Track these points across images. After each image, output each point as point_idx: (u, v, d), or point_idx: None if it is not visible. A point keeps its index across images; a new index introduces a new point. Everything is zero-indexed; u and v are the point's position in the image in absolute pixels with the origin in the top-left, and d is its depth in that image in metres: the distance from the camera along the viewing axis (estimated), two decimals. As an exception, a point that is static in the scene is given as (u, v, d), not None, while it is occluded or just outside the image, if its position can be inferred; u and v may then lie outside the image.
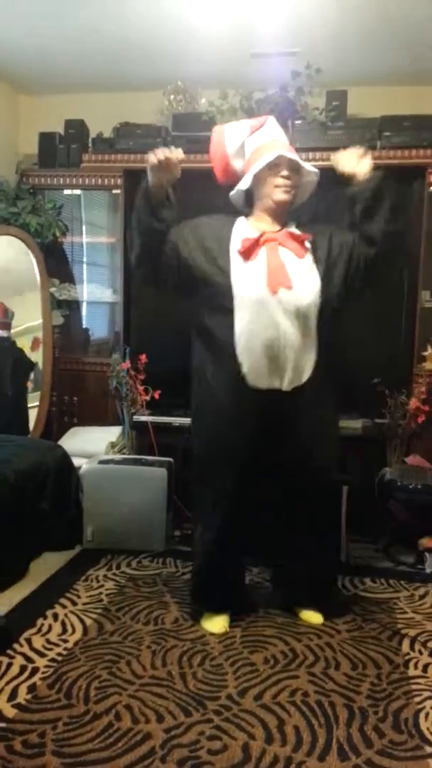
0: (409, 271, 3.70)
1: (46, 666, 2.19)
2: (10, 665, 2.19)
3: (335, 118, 3.72)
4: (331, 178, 2.38)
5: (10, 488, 2.89)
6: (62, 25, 3.38)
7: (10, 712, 1.93)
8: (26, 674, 2.14)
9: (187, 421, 3.54)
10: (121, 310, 4.04)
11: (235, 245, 2.32)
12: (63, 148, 4.05)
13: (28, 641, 2.35)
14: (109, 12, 3.22)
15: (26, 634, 2.40)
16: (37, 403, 3.94)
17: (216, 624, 2.48)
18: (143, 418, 3.66)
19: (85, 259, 4.24)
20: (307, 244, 2.36)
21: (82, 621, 2.52)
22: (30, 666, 2.19)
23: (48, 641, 2.36)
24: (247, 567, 2.93)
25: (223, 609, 2.53)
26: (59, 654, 2.28)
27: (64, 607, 2.64)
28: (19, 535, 2.92)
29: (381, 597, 2.83)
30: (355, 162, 2.31)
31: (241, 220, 2.42)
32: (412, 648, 2.39)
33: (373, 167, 2.32)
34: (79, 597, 2.73)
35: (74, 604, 2.67)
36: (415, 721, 1.95)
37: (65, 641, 2.37)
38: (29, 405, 3.96)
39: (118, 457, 3.55)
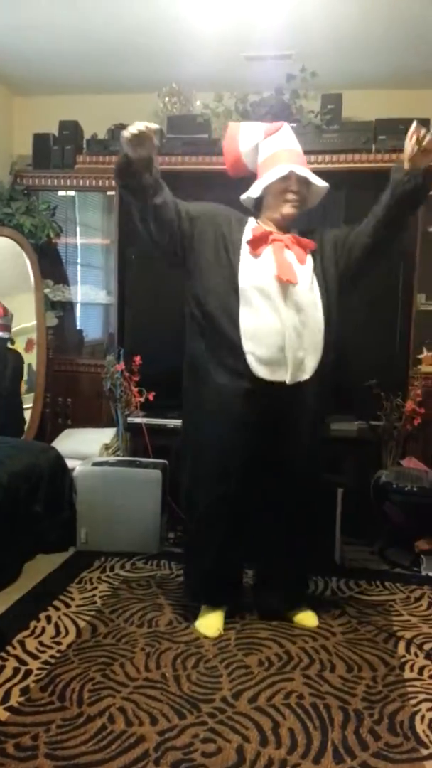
0: (404, 273, 3.71)
1: (39, 668, 2.17)
2: (2, 668, 2.17)
3: (330, 121, 3.73)
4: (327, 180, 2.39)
5: (3, 490, 2.87)
6: (57, 27, 3.38)
7: (3, 714, 1.91)
8: (19, 677, 2.12)
9: (181, 422, 3.55)
10: (115, 312, 4.04)
11: (246, 236, 2.35)
12: (57, 150, 4.05)
13: (21, 643, 2.33)
14: (103, 14, 3.22)
15: (19, 637, 2.38)
16: (31, 405, 3.92)
17: (211, 626, 2.46)
18: (137, 420, 3.64)
19: (79, 261, 4.24)
20: (309, 256, 2.39)
21: (75, 623, 2.50)
22: (23, 668, 2.17)
23: (41, 643, 2.34)
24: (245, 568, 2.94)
25: (221, 605, 2.52)
26: (52, 656, 2.26)
27: (57, 609, 2.62)
28: (13, 537, 2.91)
29: (377, 599, 2.82)
30: (416, 139, 2.20)
31: (252, 220, 2.45)
32: (407, 650, 2.38)
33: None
34: (72, 599, 2.71)
35: (68, 606, 2.65)
36: (411, 724, 1.93)
37: (58, 644, 2.35)
38: (23, 406, 3.95)
39: (112, 458, 3.54)
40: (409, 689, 2.12)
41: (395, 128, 3.68)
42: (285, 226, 2.41)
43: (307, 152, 3.50)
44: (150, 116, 4.04)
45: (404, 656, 2.34)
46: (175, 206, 2.33)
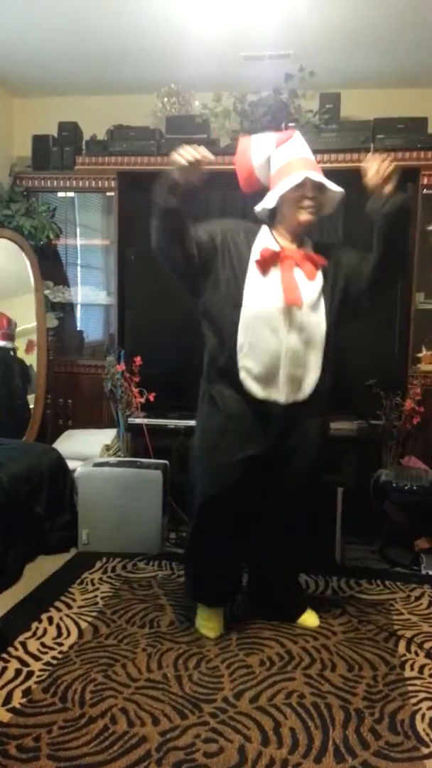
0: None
1: (42, 669, 2.18)
2: (5, 669, 2.18)
3: (329, 121, 3.73)
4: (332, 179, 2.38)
5: (4, 492, 2.88)
6: (56, 28, 3.38)
7: (5, 716, 1.92)
8: (21, 678, 2.13)
9: (182, 423, 3.56)
10: (115, 313, 4.04)
11: (255, 254, 2.33)
12: (57, 151, 4.05)
13: (23, 645, 2.34)
14: (102, 15, 3.22)
15: (21, 638, 2.39)
16: (32, 406, 3.93)
17: (211, 627, 2.47)
18: (138, 421, 3.65)
19: (79, 262, 4.24)
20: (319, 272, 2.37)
21: (77, 624, 2.51)
22: (25, 670, 2.18)
23: (43, 645, 2.35)
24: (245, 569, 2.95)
25: (218, 605, 2.52)
26: (54, 657, 2.27)
27: (59, 610, 2.63)
28: (14, 538, 2.92)
29: (377, 598, 2.83)
30: (376, 167, 2.23)
31: (265, 230, 2.41)
32: (408, 649, 2.39)
33: (396, 189, 2.27)
34: (74, 600, 2.72)
35: (69, 607, 2.66)
36: (411, 723, 1.94)
37: (60, 645, 2.36)
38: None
39: (113, 459, 3.54)
40: (410, 688, 2.13)
41: (393, 127, 3.69)
42: (301, 233, 2.40)
43: (305, 152, 3.55)
44: (149, 117, 4.06)
45: (405, 655, 2.35)
46: (195, 228, 2.32)
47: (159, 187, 2.20)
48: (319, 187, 2.33)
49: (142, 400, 3.60)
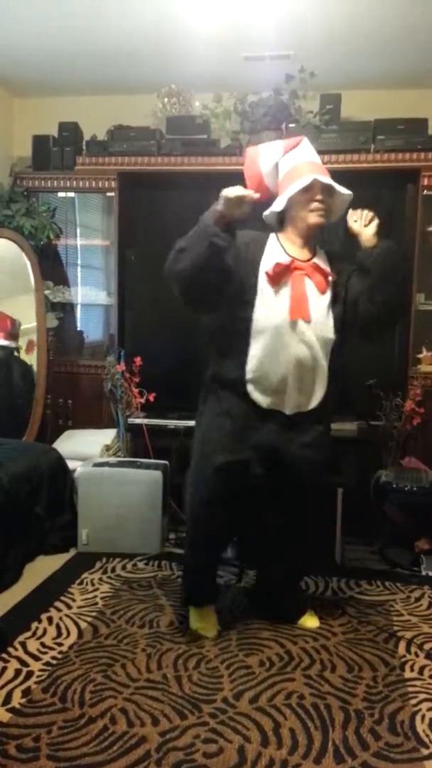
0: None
1: (41, 670, 2.18)
2: (4, 669, 2.18)
3: (329, 122, 3.72)
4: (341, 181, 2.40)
5: (4, 492, 2.88)
6: (56, 28, 3.38)
7: (5, 716, 1.91)
8: (21, 678, 2.13)
9: (181, 423, 3.56)
10: (115, 313, 4.04)
11: (265, 266, 2.31)
12: (57, 151, 4.05)
13: (23, 645, 2.34)
14: (102, 15, 3.22)
15: (21, 638, 2.39)
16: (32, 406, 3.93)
17: (208, 627, 2.47)
18: (138, 421, 3.65)
19: (79, 262, 4.24)
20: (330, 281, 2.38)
21: (77, 624, 2.51)
22: (25, 670, 2.18)
23: (43, 645, 2.35)
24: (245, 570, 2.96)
25: (204, 604, 2.52)
26: (54, 657, 2.26)
27: (59, 610, 2.63)
28: (14, 538, 2.92)
29: (377, 599, 2.83)
30: (361, 223, 2.34)
31: (273, 239, 2.40)
32: (408, 650, 2.39)
33: (381, 238, 2.35)
34: (74, 600, 2.72)
35: (69, 607, 2.66)
36: (411, 724, 1.94)
37: (60, 645, 2.36)
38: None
39: (112, 459, 3.54)
40: (410, 689, 2.13)
41: (394, 128, 3.69)
42: (312, 236, 2.39)
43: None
44: (149, 117, 4.06)
45: (404, 656, 2.35)
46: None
47: (207, 223, 2.17)
48: (328, 191, 2.33)
49: (142, 400, 3.60)
